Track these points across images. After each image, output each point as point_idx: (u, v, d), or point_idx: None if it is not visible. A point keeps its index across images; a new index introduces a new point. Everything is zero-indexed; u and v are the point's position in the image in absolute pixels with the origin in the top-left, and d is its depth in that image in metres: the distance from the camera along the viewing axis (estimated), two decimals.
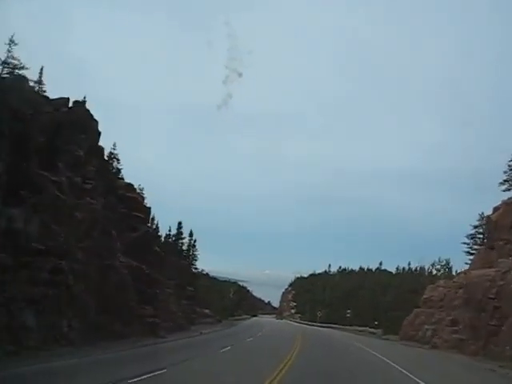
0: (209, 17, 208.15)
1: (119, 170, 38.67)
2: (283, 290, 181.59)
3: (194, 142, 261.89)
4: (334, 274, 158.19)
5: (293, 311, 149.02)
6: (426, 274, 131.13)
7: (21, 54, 22.95)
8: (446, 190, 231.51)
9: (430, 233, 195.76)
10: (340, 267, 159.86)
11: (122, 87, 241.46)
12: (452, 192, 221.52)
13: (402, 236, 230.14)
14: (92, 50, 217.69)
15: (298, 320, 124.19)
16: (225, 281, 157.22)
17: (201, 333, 41.30)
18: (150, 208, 43.61)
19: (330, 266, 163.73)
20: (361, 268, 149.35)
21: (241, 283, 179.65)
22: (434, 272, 76.58)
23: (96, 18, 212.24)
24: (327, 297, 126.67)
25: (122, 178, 39.03)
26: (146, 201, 42.81)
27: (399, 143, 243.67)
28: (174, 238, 59.51)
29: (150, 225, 45.43)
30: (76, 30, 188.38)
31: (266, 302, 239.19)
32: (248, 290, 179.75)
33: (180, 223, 60.53)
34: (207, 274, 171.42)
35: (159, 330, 33.34)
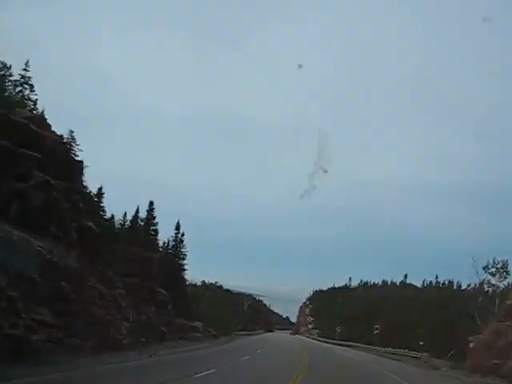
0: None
1: None
2: (301, 305, 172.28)
3: None
4: (355, 288, 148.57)
5: (310, 326, 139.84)
6: (455, 287, 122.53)
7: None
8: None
9: (455, 246, 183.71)
10: (361, 281, 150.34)
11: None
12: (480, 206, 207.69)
13: (428, 249, 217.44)
14: None
15: (314, 336, 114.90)
16: (239, 293, 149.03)
17: (151, 355, 25.61)
18: (81, 162, 29.48)
19: (350, 279, 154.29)
20: (384, 281, 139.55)
21: (257, 297, 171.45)
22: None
23: None
24: (346, 311, 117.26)
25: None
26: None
27: (420, 156, 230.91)
28: (142, 223, 43.29)
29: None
30: None
31: (284, 316, 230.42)
32: (264, 304, 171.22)
33: (152, 203, 43.51)
34: (221, 286, 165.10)
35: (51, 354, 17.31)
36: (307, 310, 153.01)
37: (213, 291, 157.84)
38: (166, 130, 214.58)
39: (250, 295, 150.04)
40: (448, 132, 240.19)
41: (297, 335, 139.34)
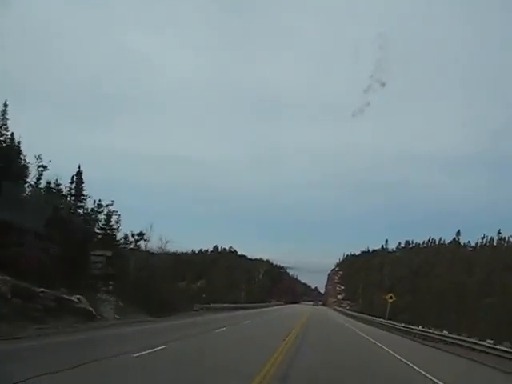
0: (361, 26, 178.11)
1: None
2: (329, 272, 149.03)
3: None
4: (393, 251, 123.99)
5: (340, 297, 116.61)
6: None
7: None
8: None
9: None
10: (399, 243, 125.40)
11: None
12: None
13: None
14: None
15: (343, 309, 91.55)
16: (254, 259, 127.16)
17: None
18: None
19: (387, 241, 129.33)
20: (431, 241, 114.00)
21: (276, 263, 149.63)
22: None
23: None
24: (388, 278, 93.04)
25: None
26: None
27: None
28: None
29: None
30: None
31: (313, 287, 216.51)
32: (287, 273, 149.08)
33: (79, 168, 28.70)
34: (235, 251, 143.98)
35: None
36: (336, 278, 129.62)
37: (224, 257, 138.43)
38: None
39: (267, 261, 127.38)
40: None
41: (321, 306, 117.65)
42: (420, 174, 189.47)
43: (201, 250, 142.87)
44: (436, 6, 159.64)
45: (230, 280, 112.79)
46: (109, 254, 24.80)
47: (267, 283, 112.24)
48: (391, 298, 45.62)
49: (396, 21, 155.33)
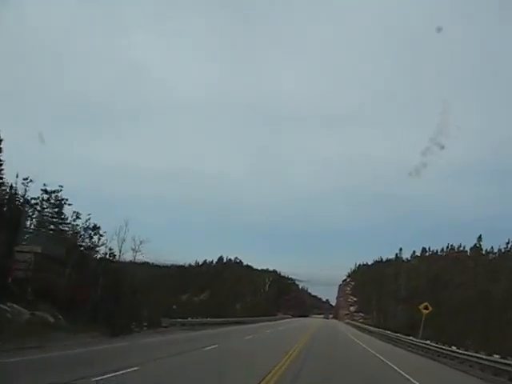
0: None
1: None
2: (340, 283, 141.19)
3: None
4: (408, 260, 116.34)
5: (352, 309, 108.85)
6: None
7: None
8: None
9: None
10: (414, 252, 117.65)
11: None
12: None
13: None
14: None
15: (359, 322, 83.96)
16: (261, 270, 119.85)
17: None
18: None
19: (401, 249, 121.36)
20: (449, 247, 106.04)
21: (298, 282, 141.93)
22: None
23: None
24: (404, 288, 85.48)
25: None
26: None
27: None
28: None
29: None
30: None
31: (324, 300, 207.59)
32: (296, 284, 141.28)
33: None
34: (240, 261, 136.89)
35: None
36: (348, 289, 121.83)
37: (229, 268, 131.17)
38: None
39: (274, 271, 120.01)
40: None
41: (332, 320, 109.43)
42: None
43: (205, 261, 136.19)
44: None
45: (235, 292, 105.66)
46: (38, 249, 18.21)
47: (274, 295, 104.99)
48: (426, 308, 35.31)
49: None
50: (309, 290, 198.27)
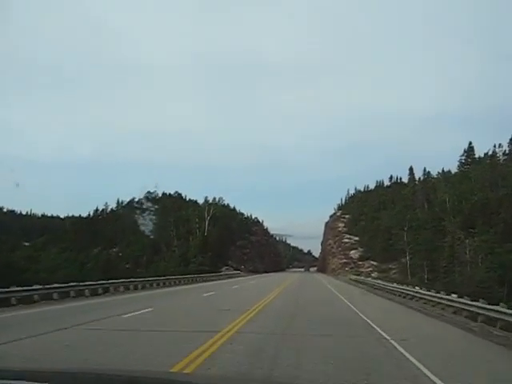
0: None
1: None
2: (326, 221, 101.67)
3: None
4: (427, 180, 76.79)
5: (354, 254, 68.97)
6: None
7: None
8: None
9: None
10: (425, 169, 77.46)
11: None
12: None
13: None
14: None
15: (384, 283, 42.08)
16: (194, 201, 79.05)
17: None
18: None
19: (411, 169, 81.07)
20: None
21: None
22: None
23: None
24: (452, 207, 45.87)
25: None
26: None
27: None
28: None
29: None
30: None
31: (306, 251, 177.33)
32: (258, 221, 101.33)
33: None
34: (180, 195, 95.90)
35: None
36: (341, 225, 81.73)
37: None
38: None
39: (215, 203, 76.91)
40: None
41: (315, 274, 73.36)
42: None
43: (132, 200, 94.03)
44: None
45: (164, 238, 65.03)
46: None
47: (219, 238, 64.21)
48: None
49: None
50: (287, 241, 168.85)
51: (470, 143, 67.25)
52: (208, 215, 64.15)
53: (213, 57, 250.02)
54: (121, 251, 72.27)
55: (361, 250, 66.03)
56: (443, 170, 72.23)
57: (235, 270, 62.37)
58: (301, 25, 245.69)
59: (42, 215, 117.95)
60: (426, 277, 40.73)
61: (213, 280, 42.34)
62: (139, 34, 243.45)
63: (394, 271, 50.25)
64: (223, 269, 59.81)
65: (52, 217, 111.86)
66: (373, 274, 49.07)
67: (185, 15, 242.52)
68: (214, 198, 70.74)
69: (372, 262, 58.92)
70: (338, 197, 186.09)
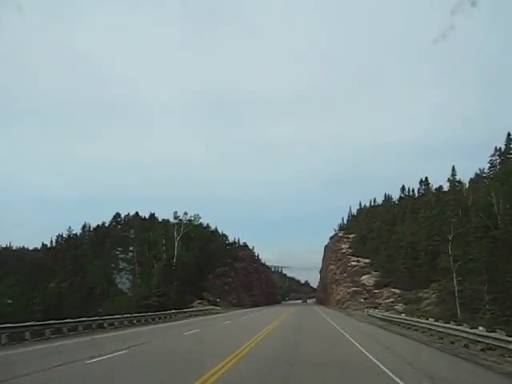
0: None
1: None
2: (326, 243, 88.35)
3: None
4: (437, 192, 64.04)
5: (369, 280, 55.52)
6: None
7: None
8: None
9: None
10: (453, 167, 64.75)
11: None
12: None
13: None
14: None
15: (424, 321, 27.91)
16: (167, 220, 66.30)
17: None
18: None
19: (426, 179, 69.06)
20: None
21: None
22: None
23: None
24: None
25: None
26: None
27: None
28: None
29: None
30: None
31: (303, 282, 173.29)
32: (246, 246, 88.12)
33: None
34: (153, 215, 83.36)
35: None
36: (344, 247, 68.31)
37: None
38: None
39: (194, 219, 63.07)
40: None
41: (314, 306, 61.94)
42: None
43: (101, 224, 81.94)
44: None
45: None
46: None
47: (194, 263, 50.84)
48: None
49: None
50: (283, 272, 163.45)
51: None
52: (177, 235, 50.69)
53: (206, 94, 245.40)
54: (73, 283, 59.91)
55: (375, 274, 52.14)
56: (476, 174, 59.99)
57: (211, 304, 48.63)
58: (296, 61, 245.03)
59: (6, 246, 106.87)
60: (488, 310, 27.51)
61: (162, 322, 28.89)
62: (133, 72, 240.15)
63: (427, 301, 36.58)
64: (195, 303, 46.22)
65: (22, 248, 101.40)
66: (396, 307, 35.65)
67: (180, 52, 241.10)
68: (186, 214, 57.96)
69: (393, 290, 45.04)
70: (336, 225, 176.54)
